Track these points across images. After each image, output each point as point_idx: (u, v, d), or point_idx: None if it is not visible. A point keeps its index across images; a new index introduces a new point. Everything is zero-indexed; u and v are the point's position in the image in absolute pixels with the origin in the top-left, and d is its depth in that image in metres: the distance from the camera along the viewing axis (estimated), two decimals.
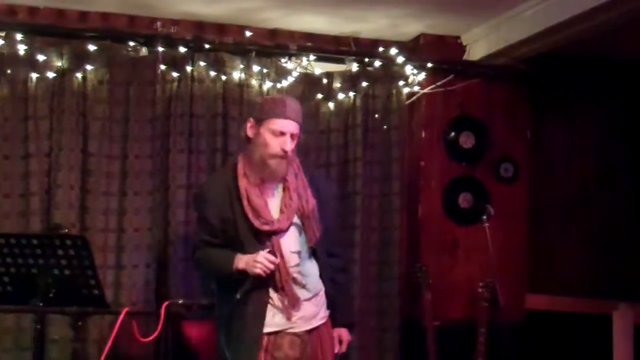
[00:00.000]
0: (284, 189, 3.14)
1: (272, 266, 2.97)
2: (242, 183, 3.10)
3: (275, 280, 3.02)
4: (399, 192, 4.66)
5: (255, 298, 3.03)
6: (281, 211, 3.09)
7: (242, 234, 3.07)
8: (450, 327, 4.68)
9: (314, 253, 3.22)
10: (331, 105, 4.62)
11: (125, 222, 4.20)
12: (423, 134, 4.84)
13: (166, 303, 2.60)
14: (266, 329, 3.06)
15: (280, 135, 3.07)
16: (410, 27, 4.77)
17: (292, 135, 3.10)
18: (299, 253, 3.13)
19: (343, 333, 3.31)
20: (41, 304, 3.06)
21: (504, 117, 4.97)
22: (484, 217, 4.44)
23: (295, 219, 3.14)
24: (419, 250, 4.81)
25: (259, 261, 2.96)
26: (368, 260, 4.61)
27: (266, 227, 3.05)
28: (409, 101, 4.77)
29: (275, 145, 3.05)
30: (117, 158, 4.22)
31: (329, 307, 3.27)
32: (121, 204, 4.21)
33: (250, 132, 3.13)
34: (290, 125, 3.09)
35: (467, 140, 4.89)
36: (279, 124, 3.06)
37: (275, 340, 3.06)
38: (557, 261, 5.17)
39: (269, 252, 3.01)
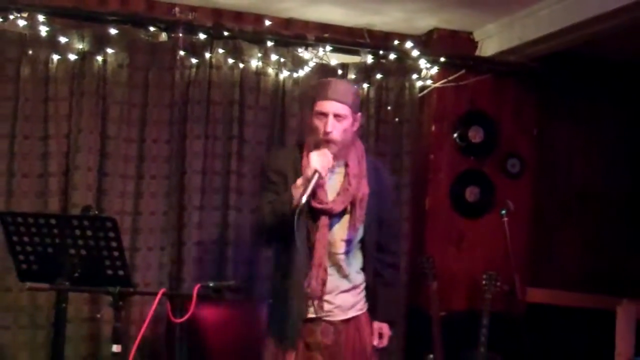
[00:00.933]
0: (345, 174, 3.04)
1: (326, 158, 2.89)
2: (306, 161, 2.99)
3: (311, 263, 2.96)
4: (409, 184, 4.74)
5: (297, 281, 2.99)
6: (338, 194, 3.00)
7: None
8: (454, 317, 4.78)
9: (362, 244, 3.14)
10: None
11: (142, 205, 4.26)
12: (433, 128, 4.92)
13: (198, 285, 2.64)
14: (306, 315, 3.05)
15: (322, 116, 2.95)
16: (424, 21, 4.82)
17: (336, 116, 2.94)
18: (348, 242, 3.06)
19: (384, 328, 3.23)
20: (67, 284, 3.10)
21: (513, 113, 5.05)
22: (503, 211, 4.53)
23: (349, 207, 3.06)
24: (425, 242, 4.90)
25: (312, 156, 2.90)
26: None
27: (318, 205, 2.96)
28: (421, 94, 4.85)
29: (320, 129, 2.95)
30: (135, 142, 4.27)
31: (372, 300, 3.22)
32: (138, 187, 4.27)
33: (309, 121, 3.08)
34: (331, 106, 2.94)
35: (476, 135, 4.96)
36: (320, 105, 2.96)
37: (311, 326, 3.04)
38: (558, 256, 5.27)
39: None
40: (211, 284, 2.72)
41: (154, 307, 2.47)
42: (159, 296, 2.53)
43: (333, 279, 3.02)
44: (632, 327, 4.31)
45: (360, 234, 3.07)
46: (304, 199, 2.78)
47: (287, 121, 4.53)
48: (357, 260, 3.14)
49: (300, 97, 4.51)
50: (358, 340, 3.12)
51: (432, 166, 4.93)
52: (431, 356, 4.58)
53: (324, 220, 2.95)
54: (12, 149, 4.07)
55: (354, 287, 3.12)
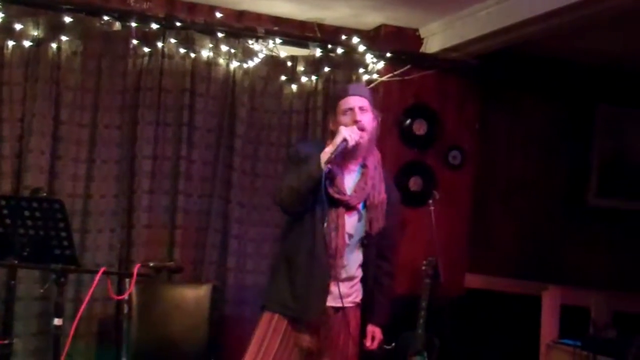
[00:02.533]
0: (362, 174, 3.23)
1: (356, 132, 3.11)
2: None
3: (334, 245, 3.13)
4: None
5: (319, 258, 3.13)
6: (355, 191, 3.18)
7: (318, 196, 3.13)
8: (396, 301, 4.97)
9: (363, 247, 3.29)
10: (294, 87, 4.87)
11: (93, 189, 4.41)
12: (379, 119, 5.10)
13: (138, 265, 2.81)
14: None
15: (348, 112, 3.18)
16: (372, 17, 5.00)
17: (360, 108, 3.20)
18: (350, 236, 3.21)
19: (377, 332, 3.41)
20: (15, 262, 3.25)
21: (455, 107, 5.26)
22: (430, 200, 4.74)
23: (361, 207, 3.23)
24: None
25: (343, 129, 3.11)
26: None
27: (337, 196, 3.13)
28: (367, 87, 5.03)
29: (348, 121, 3.16)
30: (87, 127, 4.41)
31: (367, 303, 3.36)
32: (89, 171, 4.41)
33: (332, 127, 3.25)
34: (355, 100, 3.20)
35: (420, 128, 5.17)
36: (344, 102, 3.20)
37: None
38: (495, 244, 5.52)
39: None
40: (151, 264, 2.89)
41: (94, 284, 2.63)
42: (99, 274, 2.69)
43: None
44: (556, 312, 4.57)
45: (362, 233, 3.25)
46: (332, 156, 3.02)
47: (236, 110, 4.70)
48: (356, 256, 3.28)
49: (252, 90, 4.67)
50: (344, 331, 3.27)
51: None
52: None
53: (340, 211, 3.15)
54: None
55: (350, 279, 3.27)
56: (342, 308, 3.24)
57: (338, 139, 3.08)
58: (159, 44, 4.51)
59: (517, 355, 4.96)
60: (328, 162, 3.03)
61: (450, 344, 4.88)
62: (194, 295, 4.24)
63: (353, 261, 3.26)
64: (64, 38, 4.33)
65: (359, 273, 3.31)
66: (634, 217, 5.76)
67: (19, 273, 4.00)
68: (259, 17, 4.96)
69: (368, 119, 3.21)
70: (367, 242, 3.28)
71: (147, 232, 4.48)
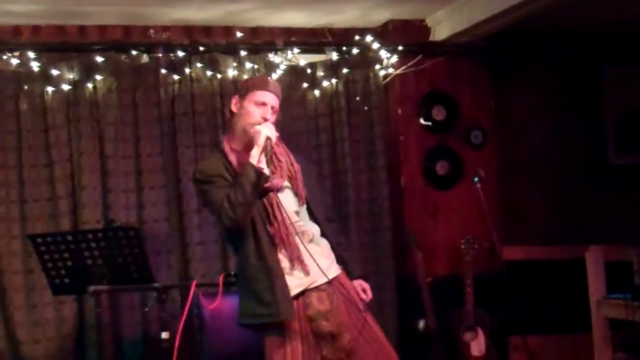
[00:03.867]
0: (270, 155, 3.17)
1: (272, 127, 3.14)
2: (232, 157, 3.22)
3: (279, 236, 3.12)
4: (384, 166, 5.15)
5: (271, 257, 3.10)
6: (273, 172, 3.18)
7: None
8: (439, 281, 5.20)
9: (313, 218, 3.34)
10: (316, 92, 5.09)
11: (145, 215, 4.64)
12: (399, 111, 5.31)
13: (223, 274, 3.04)
14: (291, 292, 3.13)
15: (262, 105, 3.20)
16: (379, 14, 5.20)
17: (272, 108, 3.23)
18: (297, 213, 3.24)
19: (363, 283, 3.40)
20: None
21: (470, 89, 5.46)
22: (476, 179, 4.90)
23: (287, 182, 3.25)
24: (404, 216, 5.29)
25: (260, 128, 3.11)
26: (362, 228, 5.10)
27: (266, 185, 3.13)
28: (385, 82, 5.25)
29: (257, 114, 3.18)
30: (131, 157, 4.64)
31: (340, 264, 3.37)
32: (139, 198, 4.64)
33: (235, 108, 3.25)
34: (271, 98, 3.23)
35: (439, 113, 5.37)
36: (262, 95, 3.21)
37: (304, 300, 3.16)
38: (526, 215, 5.69)
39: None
40: (232, 272, 3.11)
41: (190, 296, 2.84)
42: (193, 286, 2.91)
43: (301, 247, 3.18)
44: (601, 269, 4.74)
45: (298, 203, 3.28)
46: (263, 162, 3.06)
47: None
48: (314, 226, 3.32)
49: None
50: (347, 296, 3.27)
51: (403, 146, 5.32)
52: (422, 321, 5.00)
53: (273, 197, 3.16)
54: (21, 177, 4.43)
55: (323, 249, 3.29)
56: (334, 279, 3.25)
57: (260, 139, 3.09)
58: (186, 70, 4.73)
59: (569, 317, 5.16)
60: (261, 163, 3.06)
61: (500, 317, 5.08)
62: None
63: (314, 232, 3.29)
64: (98, 77, 4.56)
65: (324, 241, 3.34)
66: None
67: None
68: (272, 31, 5.17)
69: (273, 119, 3.24)
70: (312, 211, 3.33)
71: (200, 249, 4.70)
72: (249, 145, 3.17)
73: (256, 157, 3.08)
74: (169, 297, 3.12)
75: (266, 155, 3.07)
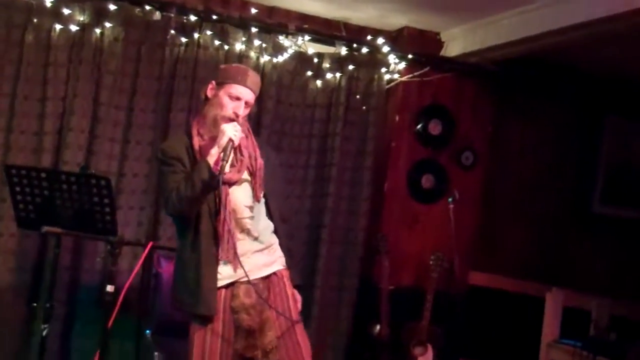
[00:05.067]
0: (236, 147, 3.17)
1: (239, 129, 3.08)
2: (196, 141, 3.19)
3: (220, 229, 3.10)
4: (370, 167, 5.19)
5: (205, 250, 3.11)
6: (232, 165, 3.15)
7: None
8: (401, 291, 5.25)
9: (269, 213, 3.32)
10: (319, 83, 5.12)
11: (126, 168, 4.66)
12: (397, 118, 5.36)
13: None
14: (220, 283, 3.14)
15: (236, 100, 3.16)
16: (396, 19, 5.24)
17: (246, 103, 3.19)
18: (251, 208, 3.21)
19: (295, 293, 3.36)
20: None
21: (470, 110, 5.50)
22: (450, 199, 4.99)
23: (247, 175, 3.22)
24: (381, 221, 5.34)
25: (226, 128, 3.06)
26: (336, 225, 5.15)
27: (216, 185, 3.07)
28: (388, 86, 5.29)
29: (229, 108, 3.14)
30: (124, 109, 4.66)
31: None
32: (124, 150, 4.67)
33: (209, 93, 3.23)
34: (247, 93, 3.18)
35: (435, 128, 5.41)
36: (237, 89, 3.16)
37: (232, 291, 3.15)
38: (501, 244, 5.76)
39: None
40: None
41: (143, 256, 2.88)
42: (148, 247, 2.95)
43: (244, 243, 3.17)
44: (558, 313, 4.79)
45: (262, 200, 3.27)
46: (226, 166, 3.01)
47: (264, 102, 4.92)
48: (265, 223, 3.29)
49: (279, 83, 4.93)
50: (280, 294, 3.24)
51: (393, 153, 5.37)
52: (377, 326, 5.06)
53: (225, 190, 3.12)
54: (13, 107, 4.44)
55: (267, 247, 3.27)
56: (271, 274, 3.24)
57: (223, 140, 3.04)
58: (195, 35, 4.75)
59: (518, 352, 5.21)
60: (223, 166, 2.99)
61: (453, 338, 5.13)
62: None
63: (263, 230, 3.26)
64: (107, 24, 4.57)
65: (274, 239, 3.32)
66: (636, 226, 5.99)
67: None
68: (288, 14, 5.19)
69: (245, 113, 3.22)
70: (269, 207, 3.30)
71: None
72: (215, 137, 3.13)
73: (214, 156, 3.05)
74: (122, 252, 3.13)
75: (223, 158, 3.00)
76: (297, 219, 5.03)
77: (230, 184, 3.16)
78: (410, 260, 5.39)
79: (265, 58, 4.93)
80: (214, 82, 3.25)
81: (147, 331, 4.24)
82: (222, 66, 3.41)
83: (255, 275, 3.16)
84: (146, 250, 3.01)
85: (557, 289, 4.83)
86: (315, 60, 5.07)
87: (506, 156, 5.80)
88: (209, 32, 4.77)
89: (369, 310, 5.14)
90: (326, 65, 5.09)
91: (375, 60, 5.17)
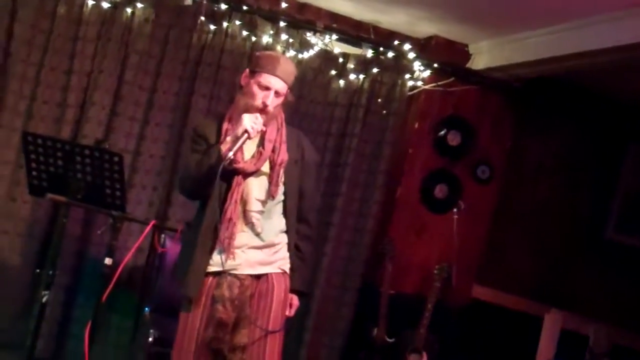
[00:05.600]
0: (260, 138, 3.17)
1: (258, 121, 3.05)
2: (226, 125, 3.17)
3: (224, 216, 3.08)
4: (385, 171, 5.21)
5: (204, 234, 3.10)
6: (252, 156, 3.14)
7: None
8: (403, 297, 5.26)
9: (285, 213, 3.26)
10: (342, 82, 5.16)
11: (143, 147, 4.74)
12: (416, 125, 5.37)
13: (183, 223, 3.14)
14: (210, 268, 3.13)
15: (265, 89, 3.11)
16: (425, 27, 5.25)
17: (276, 92, 3.13)
18: (263, 202, 3.17)
19: (294, 298, 3.32)
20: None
21: (491, 124, 5.50)
22: (455, 209, 5.01)
23: (266, 169, 3.17)
24: (390, 226, 5.36)
25: (245, 118, 3.05)
26: (345, 225, 5.18)
27: (230, 166, 3.06)
28: (411, 93, 5.31)
29: (258, 97, 3.10)
30: (147, 90, 4.73)
31: (290, 269, 3.30)
32: (142, 130, 4.74)
33: (243, 81, 3.20)
34: (276, 83, 3.12)
35: (454, 139, 5.41)
36: (267, 78, 3.10)
37: (218, 280, 3.13)
38: (507, 261, 5.74)
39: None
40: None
41: (144, 234, 2.93)
42: (149, 226, 3.01)
43: (244, 235, 3.14)
44: (555, 334, 4.80)
45: (279, 197, 3.21)
46: (230, 154, 2.97)
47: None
48: (276, 221, 3.24)
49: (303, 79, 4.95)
50: (266, 296, 3.18)
51: (409, 159, 5.37)
52: (375, 329, 5.09)
53: (237, 179, 3.10)
54: (39, 77, 4.54)
55: (267, 246, 3.21)
56: (263, 275, 3.19)
57: (239, 130, 3.03)
58: (224, 24, 4.81)
59: None
60: (226, 155, 2.97)
61: (449, 349, 5.15)
62: None
63: (269, 227, 3.20)
64: (139, 5, 4.65)
65: (280, 239, 3.25)
66: None
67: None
68: (318, 11, 5.23)
69: (276, 103, 3.16)
70: (285, 207, 3.24)
71: None
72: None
73: (228, 143, 3.04)
74: (129, 230, 3.20)
75: (231, 148, 2.98)
76: None
77: (246, 174, 3.11)
78: (415, 267, 5.40)
79: (291, 53, 4.96)
80: (247, 70, 3.21)
81: (147, 309, 4.31)
82: (257, 53, 3.36)
83: (245, 270, 3.15)
84: (147, 228, 3.06)
85: (557, 310, 4.84)
86: (341, 60, 5.11)
87: (522, 174, 5.77)
88: (237, 22, 4.83)
89: (369, 312, 5.16)
90: (351, 65, 5.13)
91: (400, 66, 5.19)
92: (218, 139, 3.13)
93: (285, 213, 3.26)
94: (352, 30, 5.19)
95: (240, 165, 3.08)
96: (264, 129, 3.12)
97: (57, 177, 3.64)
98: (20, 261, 4.54)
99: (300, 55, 4.99)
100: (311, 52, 5.01)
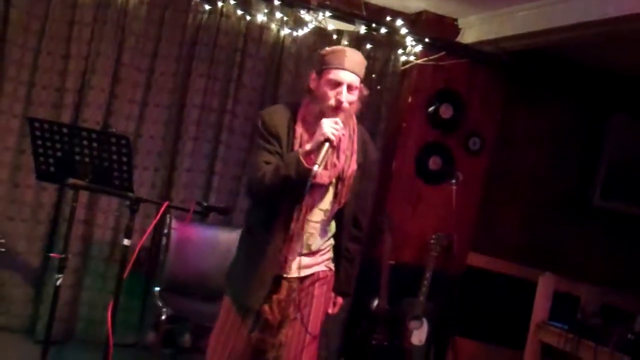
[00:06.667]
0: (335, 148, 2.92)
1: (338, 127, 2.84)
2: (299, 128, 2.98)
3: (292, 228, 2.97)
4: (380, 147, 5.29)
5: (273, 244, 3.00)
6: (325, 167, 2.92)
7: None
8: (401, 267, 5.38)
9: (337, 216, 3.14)
10: None
11: (143, 129, 4.78)
12: (410, 99, 5.45)
13: (194, 202, 3.20)
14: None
15: (336, 85, 2.91)
16: (416, 2, 5.30)
17: (349, 87, 2.93)
18: (325, 212, 3.06)
19: (339, 298, 3.30)
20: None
21: (481, 97, 5.60)
22: (453, 180, 5.11)
23: (334, 179, 3.03)
24: (386, 200, 5.46)
25: (324, 123, 2.82)
26: None
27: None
28: (403, 68, 5.38)
29: (331, 96, 2.90)
30: (145, 71, 4.76)
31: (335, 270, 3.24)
32: (142, 112, 4.78)
33: (312, 85, 2.99)
34: (348, 76, 2.92)
35: (446, 111, 5.51)
36: (336, 74, 2.90)
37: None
38: (499, 229, 5.88)
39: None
40: (205, 204, 3.27)
41: (158, 215, 3.00)
42: (164, 206, 3.07)
43: (298, 243, 3.06)
44: (548, 296, 4.92)
45: (333, 205, 3.08)
46: (317, 169, 2.76)
47: (281, 74, 5.05)
48: (329, 228, 3.15)
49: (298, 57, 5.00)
50: (307, 295, 3.13)
51: (403, 133, 5.46)
52: (376, 300, 5.20)
53: (311, 194, 2.95)
54: (36, 62, 4.54)
55: (316, 252, 3.14)
56: (308, 276, 3.13)
57: (320, 138, 2.80)
58: (219, 3, 4.84)
59: (508, 332, 5.37)
60: (314, 175, 2.77)
61: (448, 314, 5.28)
62: (226, 238, 4.60)
63: (322, 236, 3.12)
64: None
65: (328, 243, 3.18)
66: (633, 221, 6.11)
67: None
68: None
69: (353, 98, 2.97)
70: (343, 212, 3.12)
71: (187, 175, 4.86)
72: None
73: (307, 153, 2.83)
74: (139, 210, 3.26)
75: (317, 161, 2.77)
76: None
77: (317, 186, 2.94)
78: (412, 238, 5.51)
79: (285, 31, 5.02)
80: (314, 72, 3.00)
81: (156, 288, 4.39)
82: (321, 52, 3.05)
83: (293, 274, 3.09)
84: (162, 209, 3.11)
85: (550, 273, 4.94)
86: (335, 36, 5.16)
87: (512, 145, 5.89)
88: (232, 2, 4.86)
89: (370, 284, 5.27)
90: (344, 42, 5.18)
91: (393, 42, 5.26)
92: (289, 141, 2.96)
93: (341, 218, 3.14)
94: (344, 6, 5.23)
95: (316, 179, 2.85)
96: (345, 133, 2.92)
97: (64, 161, 3.67)
98: (26, 246, 4.57)
99: (294, 33, 5.04)
100: (305, 30, 5.06)
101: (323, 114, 2.91)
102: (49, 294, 4.44)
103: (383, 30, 5.21)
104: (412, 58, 5.35)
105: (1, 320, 4.60)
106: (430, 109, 5.49)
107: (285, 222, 2.97)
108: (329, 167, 2.96)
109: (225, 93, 4.92)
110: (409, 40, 5.27)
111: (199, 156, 4.90)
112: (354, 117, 3.07)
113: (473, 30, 5.42)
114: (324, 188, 3.01)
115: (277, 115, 3.03)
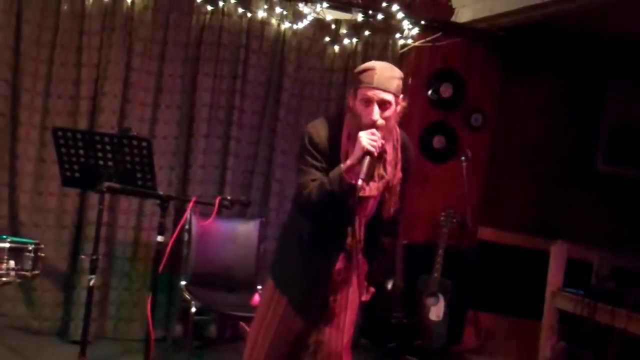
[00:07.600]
0: (381, 159, 2.95)
1: (376, 137, 2.85)
2: (344, 144, 2.98)
3: (348, 244, 2.95)
4: None
5: (329, 257, 3.03)
6: (374, 181, 2.94)
7: None
8: (414, 246, 5.54)
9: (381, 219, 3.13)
10: (336, 48, 5.36)
11: (156, 130, 4.94)
12: (410, 81, 5.59)
13: (219, 197, 3.37)
14: None
15: (368, 103, 2.89)
16: None
17: (381, 104, 2.89)
18: (370, 219, 3.07)
19: (371, 288, 3.26)
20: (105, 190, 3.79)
21: (479, 74, 5.76)
22: (463, 158, 5.28)
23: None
24: None
25: (361, 137, 2.84)
26: None
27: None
28: (402, 51, 5.53)
29: (364, 115, 2.90)
30: (154, 74, 4.92)
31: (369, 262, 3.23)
32: (154, 114, 4.94)
33: (350, 102, 2.99)
34: (376, 94, 2.88)
35: (446, 90, 5.67)
36: (364, 93, 2.89)
37: None
38: (505, 202, 6.05)
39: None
40: (229, 197, 3.44)
41: (187, 211, 3.17)
42: (192, 201, 3.24)
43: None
44: (562, 263, 5.05)
45: (381, 214, 3.09)
46: (360, 182, 2.78)
47: (284, 66, 5.20)
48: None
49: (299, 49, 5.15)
50: (347, 300, 3.13)
51: (405, 115, 5.59)
52: (391, 279, 5.35)
53: (361, 209, 2.96)
54: (50, 73, 4.71)
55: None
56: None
57: (358, 152, 2.83)
58: (220, 3, 4.99)
59: (525, 302, 5.52)
60: (359, 189, 2.80)
61: (462, 289, 5.44)
62: (244, 229, 4.80)
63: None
64: None
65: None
66: (637, 185, 6.26)
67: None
68: None
69: (387, 114, 2.92)
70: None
71: (201, 171, 5.03)
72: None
73: (350, 167, 2.86)
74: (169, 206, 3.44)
75: (362, 176, 2.78)
76: None
77: (365, 199, 2.95)
78: (422, 217, 5.66)
79: (285, 25, 5.17)
80: (350, 90, 3.00)
81: (182, 282, 4.56)
82: (355, 71, 3.05)
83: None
84: (190, 204, 3.29)
85: (562, 241, 5.06)
86: (333, 26, 5.31)
87: (513, 117, 6.05)
88: (232, 1, 5.00)
89: (384, 267, 5.39)
90: (343, 31, 5.33)
91: (390, 26, 5.40)
92: (335, 156, 2.97)
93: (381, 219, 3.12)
94: None
95: (366, 192, 2.90)
96: (384, 142, 2.91)
97: (88, 167, 3.84)
98: (54, 252, 4.74)
99: (294, 26, 5.19)
100: (305, 22, 5.21)
101: (360, 130, 2.90)
102: (78, 296, 4.66)
103: (380, 16, 5.35)
104: (409, 41, 5.50)
105: (34, 325, 4.77)
106: (431, 89, 5.64)
107: (337, 238, 2.98)
108: (376, 179, 2.96)
109: (232, 89, 5.09)
110: (406, 24, 5.42)
111: (211, 152, 5.06)
112: (396, 126, 3.05)
113: (467, 9, 5.56)
114: (375, 200, 3.02)
115: (324, 131, 3.03)
